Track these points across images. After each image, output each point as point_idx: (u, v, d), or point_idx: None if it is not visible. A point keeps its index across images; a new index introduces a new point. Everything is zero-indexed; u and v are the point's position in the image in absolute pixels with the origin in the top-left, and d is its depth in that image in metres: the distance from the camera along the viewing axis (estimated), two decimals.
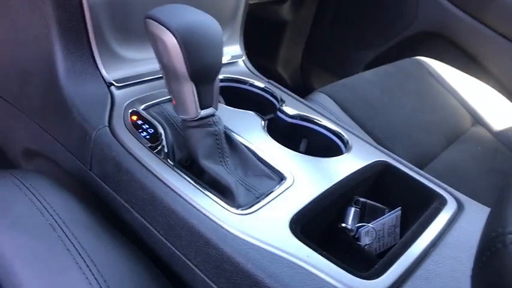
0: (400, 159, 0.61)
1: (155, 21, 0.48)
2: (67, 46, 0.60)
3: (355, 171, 0.56)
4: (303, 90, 1.74)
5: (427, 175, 0.60)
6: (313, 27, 1.69)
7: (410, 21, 1.44)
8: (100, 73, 0.63)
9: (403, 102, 1.02)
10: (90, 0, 0.59)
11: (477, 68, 1.35)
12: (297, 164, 0.56)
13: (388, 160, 0.60)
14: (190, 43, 0.47)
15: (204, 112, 0.52)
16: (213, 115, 0.53)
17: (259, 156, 0.56)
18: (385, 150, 0.64)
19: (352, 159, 0.60)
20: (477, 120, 1.12)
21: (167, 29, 0.47)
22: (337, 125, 0.68)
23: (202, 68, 0.49)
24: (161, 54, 0.50)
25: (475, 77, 1.20)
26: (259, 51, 1.77)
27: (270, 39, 1.75)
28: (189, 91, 0.50)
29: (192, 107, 0.51)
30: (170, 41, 0.47)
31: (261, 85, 0.77)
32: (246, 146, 0.57)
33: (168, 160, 0.54)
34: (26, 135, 0.74)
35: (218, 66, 0.51)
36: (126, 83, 0.65)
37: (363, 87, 1.00)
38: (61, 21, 0.59)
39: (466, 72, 1.21)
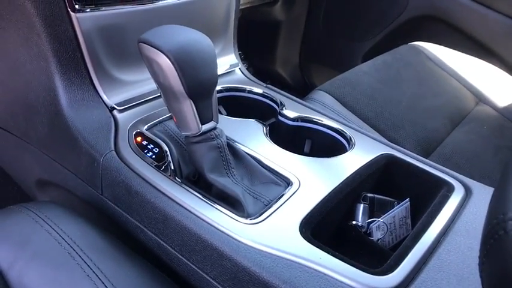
0: (404, 149, 0.62)
1: (148, 44, 0.50)
2: (67, 77, 0.62)
3: (360, 168, 0.57)
4: (303, 88, 1.75)
5: (432, 163, 0.60)
6: (307, 24, 1.70)
7: (402, 7, 1.44)
8: (101, 99, 0.65)
9: (403, 90, 1.02)
10: (84, 30, 0.60)
11: (474, 47, 1.34)
12: (301, 167, 0.57)
13: (392, 152, 0.61)
14: (184, 62, 0.48)
15: (205, 127, 0.53)
16: (214, 128, 0.54)
17: (264, 164, 0.56)
18: (389, 143, 0.65)
19: (356, 155, 0.60)
20: (480, 98, 1.12)
21: (160, 51, 0.48)
22: (339, 122, 0.69)
23: (198, 85, 0.50)
24: (157, 76, 0.51)
25: (474, 56, 1.19)
26: (257, 54, 1.79)
27: (266, 40, 1.76)
28: (188, 108, 0.52)
29: (193, 123, 0.52)
30: (164, 62, 0.48)
31: (260, 91, 0.78)
32: (250, 155, 0.58)
33: (176, 177, 0.55)
34: (36, 166, 0.76)
35: (214, 80, 0.52)
36: (127, 105, 0.66)
37: (361, 80, 1.00)
38: (58, 54, 0.60)
39: (464, 52, 1.21)
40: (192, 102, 0.51)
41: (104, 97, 0.65)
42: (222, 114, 0.74)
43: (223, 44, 0.84)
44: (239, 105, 0.79)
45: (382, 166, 0.59)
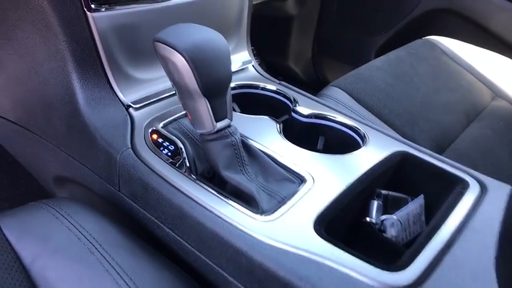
0: (418, 146, 0.61)
1: (163, 43, 0.50)
2: (84, 76, 0.63)
3: (374, 165, 0.57)
4: (316, 83, 1.74)
5: (447, 159, 0.60)
6: (320, 19, 1.69)
7: (416, 0, 1.43)
8: (117, 97, 0.66)
9: (417, 86, 1.01)
10: (100, 30, 0.61)
11: (490, 40, 1.32)
12: (315, 163, 0.57)
13: (406, 149, 0.61)
14: (198, 61, 0.49)
15: (219, 124, 0.53)
16: (229, 126, 0.54)
17: (278, 161, 0.57)
18: (402, 139, 0.65)
19: (370, 152, 0.60)
20: (497, 93, 1.10)
21: (175, 50, 0.49)
22: (353, 119, 0.69)
23: (213, 83, 0.51)
24: (172, 74, 0.52)
25: (489, 50, 1.18)
26: (269, 49, 1.79)
27: (279, 35, 1.76)
28: (203, 106, 0.52)
29: (208, 121, 0.53)
30: (179, 61, 0.49)
31: (273, 88, 0.78)
32: (263, 152, 0.58)
33: (192, 174, 0.56)
34: (55, 163, 0.78)
35: (228, 79, 0.53)
36: (143, 103, 0.67)
37: (375, 76, 0.99)
38: (75, 53, 0.61)
39: (479, 46, 1.19)
40: (206, 101, 0.52)
41: (120, 95, 0.66)
42: (235, 111, 0.74)
43: (237, 41, 0.85)
44: (252, 102, 0.79)
45: (396, 163, 0.59)
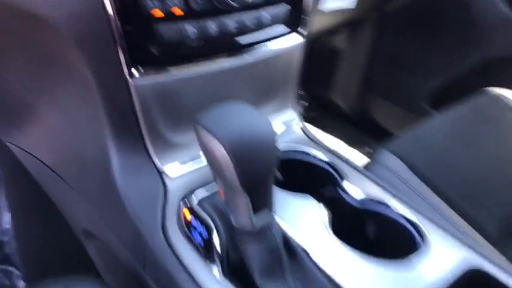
0: (493, 259, 0.52)
1: (204, 128, 0.45)
2: (120, 142, 0.59)
3: (436, 281, 0.48)
4: (362, 119, 1.64)
5: None
6: (371, 56, 1.61)
7: (481, 46, 1.31)
8: (154, 165, 0.62)
9: (482, 153, 0.91)
10: (141, 97, 0.57)
11: None
12: (364, 272, 0.49)
13: (475, 261, 0.51)
14: (241, 153, 0.43)
15: (259, 221, 0.47)
16: (270, 224, 0.48)
17: (322, 268, 0.49)
18: (470, 238, 0.55)
19: (432, 260, 0.52)
20: None
21: (217, 139, 0.44)
22: (411, 207, 0.60)
23: (254, 177, 0.45)
24: (211, 162, 0.47)
25: None
26: (314, 82, 1.72)
27: (325, 69, 1.69)
28: (241, 200, 0.46)
29: (245, 217, 0.47)
30: (219, 151, 0.44)
31: (322, 157, 0.71)
32: (305, 250, 0.51)
33: (222, 268, 0.50)
34: (84, 217, 0.75)
35: (272, 171, 0.46)
36: (180, 172, 0.63)
37: (433, 140, 0.90)
38: (113, 119, 0.58)
39: None
40: (246, 195, 0.46)
41: (157, 162, 0.62)
42: (277, 178, 0.68)
43: (282, 97, 0.78)
44: (295, 168, 0.73)
45: (464, 281, 0.50)
